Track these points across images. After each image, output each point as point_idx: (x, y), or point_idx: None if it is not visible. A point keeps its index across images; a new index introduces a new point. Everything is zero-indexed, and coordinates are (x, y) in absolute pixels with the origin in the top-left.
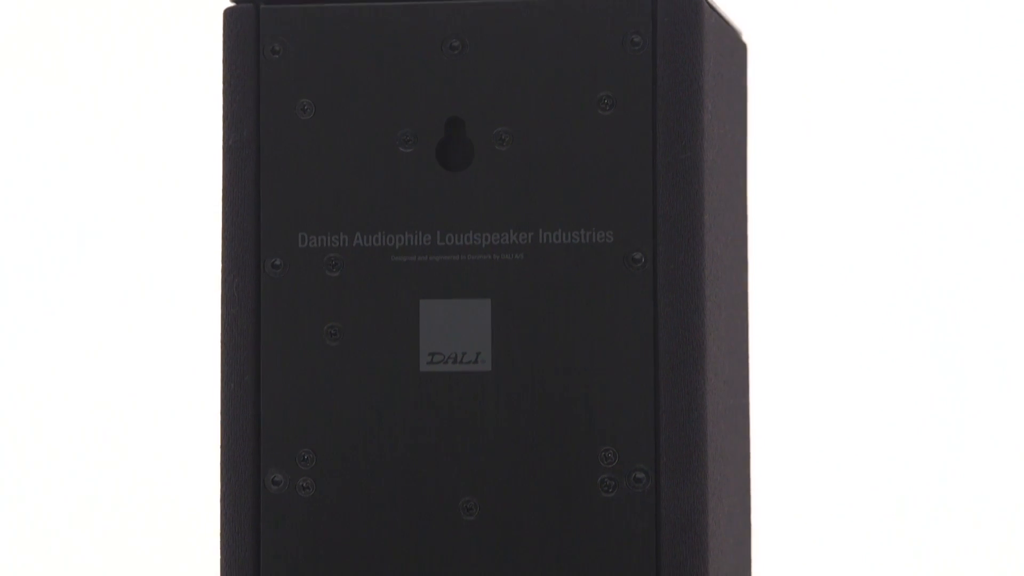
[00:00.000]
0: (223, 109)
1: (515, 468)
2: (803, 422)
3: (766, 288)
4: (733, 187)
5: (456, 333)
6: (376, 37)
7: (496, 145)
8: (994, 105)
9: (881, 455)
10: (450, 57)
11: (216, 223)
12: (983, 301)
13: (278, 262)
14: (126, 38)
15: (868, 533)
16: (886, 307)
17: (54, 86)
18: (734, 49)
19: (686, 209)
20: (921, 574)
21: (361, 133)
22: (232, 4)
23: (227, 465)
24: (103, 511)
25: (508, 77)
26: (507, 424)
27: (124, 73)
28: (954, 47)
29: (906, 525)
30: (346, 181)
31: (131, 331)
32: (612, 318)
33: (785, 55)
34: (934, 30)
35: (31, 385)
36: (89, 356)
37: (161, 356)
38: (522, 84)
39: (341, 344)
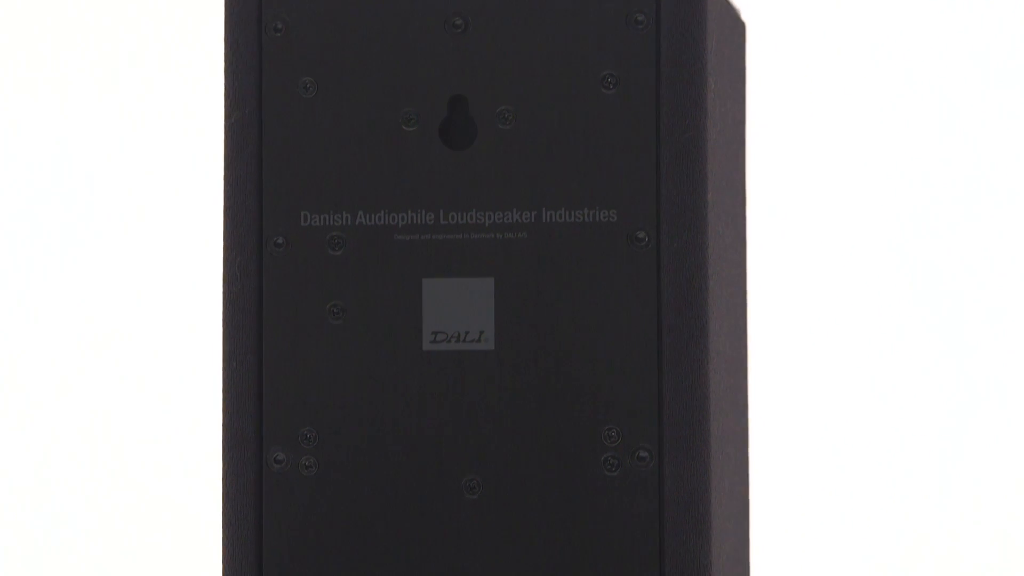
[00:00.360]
0: (224, 87)
1: (518, 447)
2: (799, 401)
3: (763, 268)
4: (733, 166)
5: (459, 312)
6: (379, 15)
7: (499, 124)
8: (992, 82)
9: (876, 435)
10: (453, 35)
11: (217, 202)
12: (981, 282)
13: (280, 241)
14: (127, 15)
15: (863, 512)
16: (883, 287)
17: (54, 60)
18: (734, 27)
19: (690, 188)
20: (916, 553)
21: (364, 112)
22: None
23: (229, 444)
24: (104, 490)
25: (511, 56)
26: (510, 403)
27: (125, 50)
28: (952, 23)
29: (900, 503)
30: (349, 160)
31: (133, 310)
32: (615, 297)
33: (782, 33)
34: (932, 8)
35: (31, 369)
36: (91, 333)
37: (163, 335)
38: (525, 63)
39: (344, 323)
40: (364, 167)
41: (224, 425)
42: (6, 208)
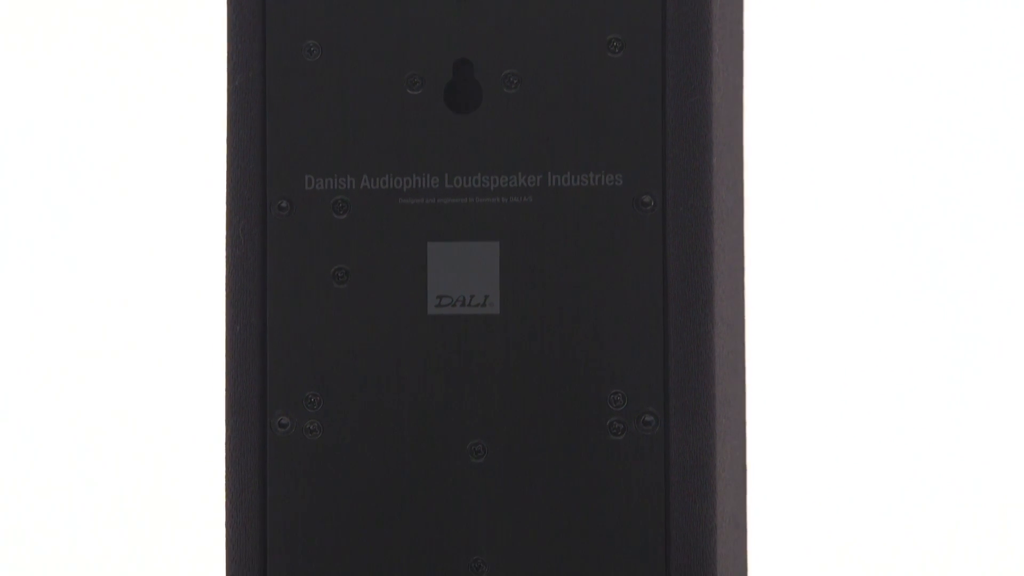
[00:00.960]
0: (228, 50)
1: (523, 411)
2: (795, 373)
3: (757, 236)
4: (733, 130)
5: (464, 276)
6: None
7: (504, 87)
8: (989, 54)
9: (866, 401)
10: None
11: (221, 165)
12: (975, 251)
13: (284, 204)
14: None
15: (854, 481)
16: (877, 255)
17: (55, 28)
18: None
19: (695, 152)
20: (903, 524)
21: (368, 75)
22: None
23: (233, 408)
24: (108, 454)
25: (517, 19)
26: (515, 367)
27: (125, 13)
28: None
29: (889, 477)
30: (353, 123)
31: (136, 275)
32: (621, 261)
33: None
34: None
35: (35, 337)
36: (94, 297)
37: (166, 300)
38: (531, 26)
39: (348, 287)
40: (369, 131)
41: (227, 389)
42: (5, 175)
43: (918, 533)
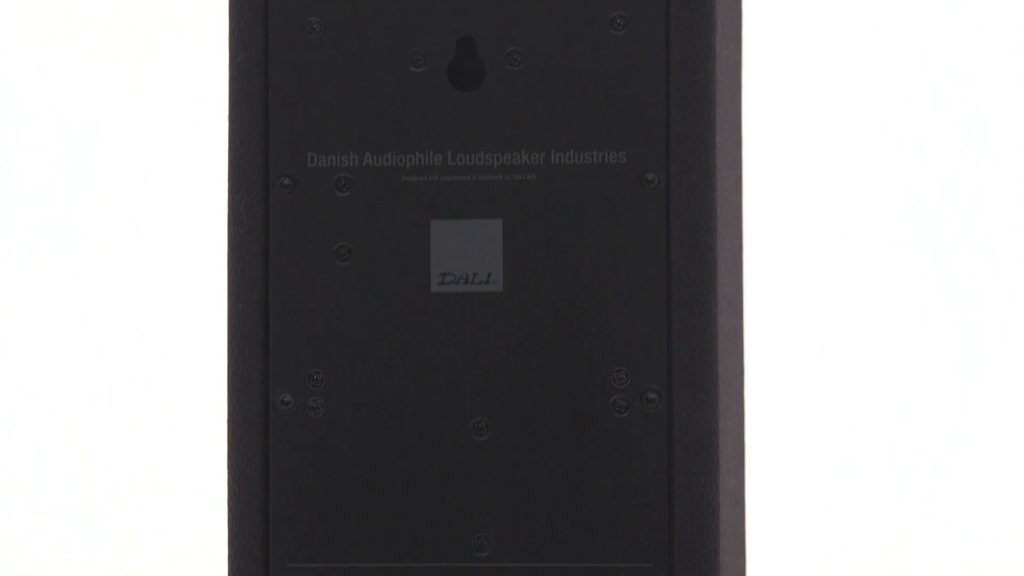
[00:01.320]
0: (230, 27)
1: (527, 389)
2: (790, 354)
3: (753, 214)
4: (733, 108)
5: (467, 254)
6: None
7: (508, 65)
8: (986, 33)
9: (860, 380)
10: None
11: (223, 142)
12: (980, 246)
13: (287, 181)
14: None
15: (851, 466)
16: (875, 233)
17: (54, 6)
18: None
19: (699, 130)
20: (902, 507)
21: (371, 52)
22: None
23: (236, 385)
24: (111, 432)
25: None
26: (519, 345)
27: None
28: None
29: (885, 458)
30: (356, 100)
31: (137, 251)
32: (624, 239)
33: None
34: None
35: (37, 309)
36: (96, 275)
37: (168, 277)
38: (534, 3)
39: (351, 264)
40: (372, 108)
41: (230, 367)
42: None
43: (914, 515)
